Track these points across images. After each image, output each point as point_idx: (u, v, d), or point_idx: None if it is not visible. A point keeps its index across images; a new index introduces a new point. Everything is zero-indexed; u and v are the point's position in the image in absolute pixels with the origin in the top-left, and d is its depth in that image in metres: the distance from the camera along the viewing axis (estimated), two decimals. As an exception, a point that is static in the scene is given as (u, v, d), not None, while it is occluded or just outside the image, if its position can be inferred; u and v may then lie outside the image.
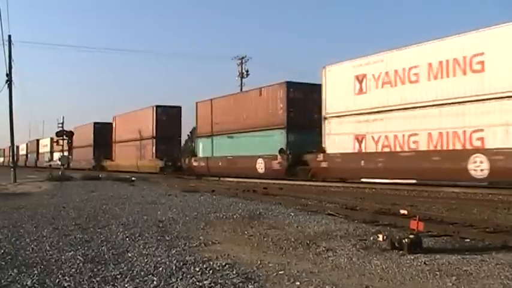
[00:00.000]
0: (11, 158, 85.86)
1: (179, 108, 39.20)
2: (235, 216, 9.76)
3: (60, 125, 33.48)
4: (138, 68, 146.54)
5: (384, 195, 15.09)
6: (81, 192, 17.00)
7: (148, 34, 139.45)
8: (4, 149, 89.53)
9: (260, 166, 25.64)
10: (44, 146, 66.50)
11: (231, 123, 28.81)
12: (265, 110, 26.07)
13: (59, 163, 35.43)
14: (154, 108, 38.20)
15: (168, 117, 37.88)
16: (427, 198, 13.55)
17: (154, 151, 37.60)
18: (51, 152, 63.30)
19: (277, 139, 24.86)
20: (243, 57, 46.63)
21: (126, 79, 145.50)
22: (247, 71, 46.56)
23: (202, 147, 32.29)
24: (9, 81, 26.35)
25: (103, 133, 48.53)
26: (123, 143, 43.77)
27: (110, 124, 48.30)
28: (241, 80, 45.48)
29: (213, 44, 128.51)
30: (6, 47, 26.13)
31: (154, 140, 37.83)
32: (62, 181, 25.25)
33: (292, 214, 9.99)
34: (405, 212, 9.28)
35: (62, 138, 33.21)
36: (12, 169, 26.81)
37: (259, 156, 25.73)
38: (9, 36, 26.38)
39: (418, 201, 12.81)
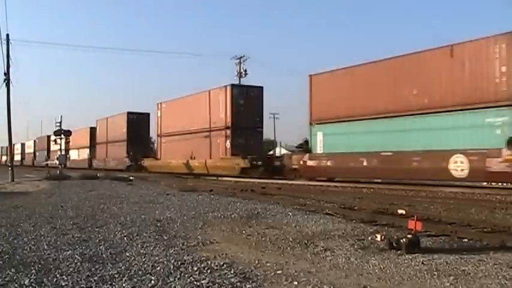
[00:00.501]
0: (15, 156, 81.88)
1: (261, 88, 29.43)
2: (233, 216, 9.76)
3: (58, 124, 33.39)
4: (137, 67, 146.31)
5: (382, 195, 15.10)
6: (79, 192, 16.96)
7: (147, 33, 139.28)
8: (7, 147, 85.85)
9: (459, 167, 16.69)
10: (57, 143, 60.87)
11: (384, 102, 19.56)
12: (462, 79, 16.98)
13: (56, 162, 34.76)
14: (229, 88, 28.41)
15: (247, 100, 28.36)
16: (425, 198, 13.57)
17: (228, 146, 27.93)
18: (66, 150, 54.08)
19: (496, 124, 16.08)
20: (241, 57, 46.59)
21: (125, 78, 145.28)
22: (245, 71, 46.51)
23: (323, 139, 22.28)
24: (7, 80, 26.33)
25: (139, 126, 40.94)
26: (174, 136, 34.20)
27: (147, 114, 41.27)
28: (240, 80, 45.38)
29: (212, 43, 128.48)
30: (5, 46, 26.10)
31: (228, 132, 28.14)
32: (60, 180, 25.21)
33: (290, 214, 10.00)
34: (403, 211, 9.28)
35: (60, 137, 33.09)
36: (10, 168, 26.77)
37: (456, 151, 16.85)
38: (7, 35, 26.41)
39: (416, 201, 12.84)
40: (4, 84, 26.20)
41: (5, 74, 26.30)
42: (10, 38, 26.35)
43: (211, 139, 29.66)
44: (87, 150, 51.01)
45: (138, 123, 41.19)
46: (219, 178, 26.63)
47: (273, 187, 18.36)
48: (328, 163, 21.82)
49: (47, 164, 52.51)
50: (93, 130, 50.12)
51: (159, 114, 37.29)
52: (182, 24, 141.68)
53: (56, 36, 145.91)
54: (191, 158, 31.20)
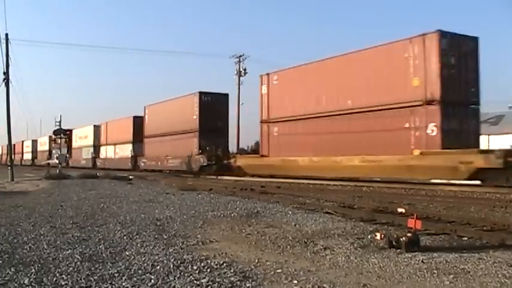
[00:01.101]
0: (20, 155, 79.12)
1: (476, 39, 17.96)
2: (232, 215, 9.75)
3: (58, 124, 33.38)
4: (136, 66, 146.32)
5: (382, 194, 15.09)
6: (79, 191, 16.96)
7: (147, 32, 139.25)
8: (14, 145, 79.42)
9: None
10: (82, 139, 47.13)
11: None
12: None
13: (56, 162, 34.34)
14: (435, 37, 17.25)
15: (460, 59, 17.49)
16: (424, 197, 13.57)
17: (434, 133, 17.18)
18: (96, 146, 46.65)
19: None
20: (240, 56, 46.45)
21: (124, 78, 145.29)
22: (245, 69, 46.45)
23: None
24: (6, 79, 26.32)
25: (214, 111, 30.74)
26: (298, 121, 23.17)
27: (225, 96, 31.93)
28: (239, 79, 45.35)
29: (212, 43, 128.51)
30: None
31: (431, 110, 17.26)
32: (59, 180, 25.22)
33: (290, 212, 10.00)
34: (403, 210, 9.29)
35: (58, 137, 33.11)
36: (9, 167, 26.79)
37: None
38: (6, 35, 26.38)
39: (416, 199, 12.83)
40: (3, 83, 26.22)
41: (4, 73, 26.30)
42: (9, 37, 26.36)
43: (386, 123, 18.64)
44: (130, 146, 40.41)
45: (213, 107, 30.89)
46: (218, 177, 26.44)
47: (272, 186, 18.36)
48: None
49: (67, 163, 43.13)
50: (138, 120, 39.34)
51: (264, 91, 25.44)
52: (181, 24, 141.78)
53: (55, 35, 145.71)
54: (339, 155, 20.34)
